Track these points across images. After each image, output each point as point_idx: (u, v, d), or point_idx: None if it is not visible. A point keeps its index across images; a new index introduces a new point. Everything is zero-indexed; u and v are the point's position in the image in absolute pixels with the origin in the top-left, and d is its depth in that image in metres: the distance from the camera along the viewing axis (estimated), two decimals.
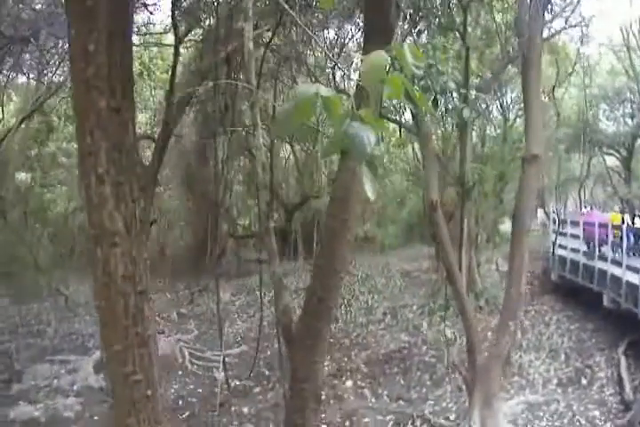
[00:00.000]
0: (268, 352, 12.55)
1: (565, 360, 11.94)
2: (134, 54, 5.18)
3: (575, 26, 16.45)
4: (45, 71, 16.75)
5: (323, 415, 9.41)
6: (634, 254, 14.30)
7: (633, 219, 23.20)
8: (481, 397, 7.96)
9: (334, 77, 16.45)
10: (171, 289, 18.79)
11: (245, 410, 10.31)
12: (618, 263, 13.20)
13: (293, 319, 6.35)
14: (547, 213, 24.27)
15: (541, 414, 9.65)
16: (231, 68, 12.25)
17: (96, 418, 9.68)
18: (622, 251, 13.57)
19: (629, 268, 12.55)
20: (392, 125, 14.95)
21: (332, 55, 14.42)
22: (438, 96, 5.00)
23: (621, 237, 14.15)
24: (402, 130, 15.40)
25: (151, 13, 13.28)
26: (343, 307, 15.55)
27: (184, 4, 11.88)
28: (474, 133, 19.22)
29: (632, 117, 25.17)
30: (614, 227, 14.99)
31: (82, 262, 17.93)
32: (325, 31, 15.13)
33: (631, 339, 12.15)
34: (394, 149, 23.18)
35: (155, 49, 18.58)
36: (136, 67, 15.77)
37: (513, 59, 13.87)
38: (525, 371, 11.38)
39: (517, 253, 8.03)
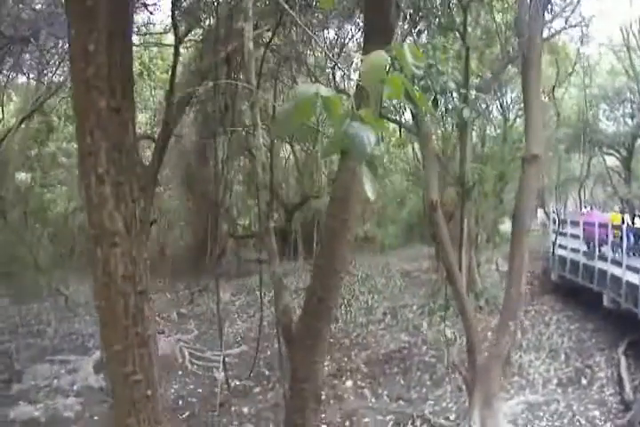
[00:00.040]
0: (268, 352, 12.56)
1: (565, 360, 11.94)
2: (134, 54, 5.18)
3: (575, 26, 16.47)
4: (45, 71, 16.75)
5: (323, 415, 9.41)
6: (634, 254, 14.30)
7: (633, 219, 23.20)
8: (481, 397, 7.96)
9: (334, 77, 16.46)
10: (171, 289, 18.79)
11: (245, 410, 10.31)
12: (618, 263, 13.20)
13: (293, 319, 6.35)
14: (547, 213, 24.27)
15: (541, 414, 9.65)
16: (231, 68, 12.25)
17: (96, 418, 9.67)
18: (622, 251, 13.57)
19: (629, 268, 12.55)
20: (392, 125, 14.95)
21: (332, 55, 14.42)
22: (438, 96, 5.00)
23: (621, 237, 14.15)
24: (402, 130, 15.40)
25: (151, 13, 13.31)
26: (343, 307, 15.55)
27: (184, 4, 11.88)
28: (474, 133, 19.22)
29: (632, 117, 25.18)
30: (614, 227, 14.99)
31: (82, 262, 17.93)
32: (325, 31, 15.15)
33: (631, 339, 12.15)
34: (394, 149, 23.18)
35: (155, 49, 18.58)
36: (136, 67, 15.77)
37: (513, 59, 13.87)
38: (525, 371, 11.38)
39: (517, 253, 8.03)
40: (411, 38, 12.08)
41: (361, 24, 12.32)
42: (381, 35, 4.99)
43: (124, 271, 2.92)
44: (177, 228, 23.21)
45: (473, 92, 8.25)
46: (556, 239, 17.47)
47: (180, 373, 12.14)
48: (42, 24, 11.17)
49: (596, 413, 9.63)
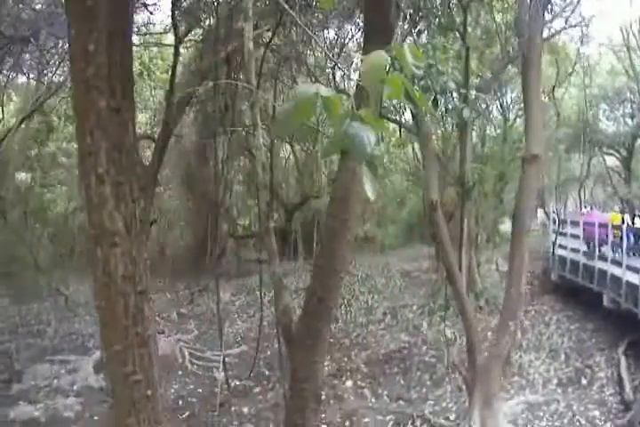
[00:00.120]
0: (268, 352, 12.55)
1: (565, 360, 11.94)
2: (134, 54, 5.18)
3: (575, 26, 16.47)
4: (45, 71, 16.75)
5: (323, 415, 9.41)
6: (634, 254, 14.30)
7: (633, 219, 23.21)
8: (481, 397, 7.96)
9: (334, 77, 16.46)
10: (171, 289, 18.79)
11: (245, 410, 10.31)
12: (618, 263, 13.20)
13: (293, 319, 6.35)
14: (547, 213, 24.27)
15: (541, 414, 9.65)
16: (231, 68, 12.25)
17: (96, 418, 9.67)
18: (622, 251, 13.57)
19: (629, 268, 12.55)
20: (392, 125, 14.95)
21: (332, 55, 14.42)
22: (438, 96, 5.00)
23: (621, 237, 14.15)
24: (402, 130, 15.40)
25: (151, 13, 13.31)
26: (343, 307, 15.55)
27: (184, 4, 11.88)
28: (474, 133, 19.22)
29: (632, 117, 25.18)
30: (614, 227, 14.99)
31: (82, 262, 17.93)
32: (325, 31, 15.15)
33: (631, 339, 12.15)
34: (394, 149, 23.18)
35: (155, 49, 18.58)
36: (136, 67, 15.77)
37: (513, 59, 13.87)
38: (525, 371, 11.38)
39: (517, 253, 8.03)
40: (411, 38, 12.08)
41: (361, 24, 12.32)
42: (381, 35, 4.99)
43: (124, 271, 2.92)
44: (177, 228, 23.21)
45: (473, 92, 8.25)
46: (555, 239, 17.47)
47: (180, 373, 12.14)
48: (42, 24, 11.17)
49: (596, 413, 9.64)
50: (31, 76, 17.63)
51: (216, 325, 12.41)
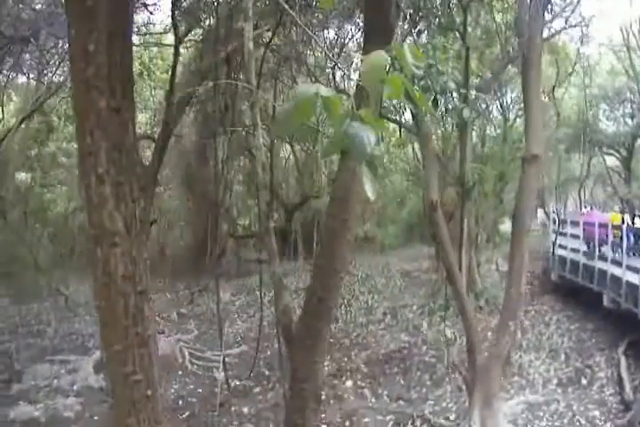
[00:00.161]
0: (268, 352, 12.55)
1: (565, 360, 11.94)
2: (134, 54, 5.18)
3: (575, 26, 16.48)
4: (45, 71, 16.75)
5: (323, 415, 9.41)
6: (634, 254, 14.30)
7: (633, 219, 23.20)
8: (481, 397, 7.96)
9: (334, 77, 16.46)
10: (171, 289, 18.79)
11: (245, 410, 10.31)
12: (618, 263, 13.19)
13: (293, 319, 6.35)
14: (547, 213, 24.27)
15: (541, 414, 9.65)
16: (231, 68, 12.25)
17: (96, 418, 9.67)
18: (622, 251, 13.57)
19: (629, 268, 12.55)
20: (392, 125, 14.95)
21: (332, 55, 14.42)
22: (438, 96, 5.00)
23: (621, 237, 14.15)
24: (402, 130, 15.40)
25: (151, 13, 13.31)
26: (343, 307, 15.55)
27: (184, 4, 11.88)
28: (474, 133, 19.22)
29: (632, 117, 25.18)
30: (614, 227, 14.99)
31: (82, 262, 17.92)
32: (325, 31, 15.15)
33: (631, 339, 12.15)
34: (394, 149, 23.18)
35: (155, 49, 18.58)
36: (136, 67, 15.77)
37: (513, 59, 13.87)
38: (525, 371, 11.38)
39: (517, 253, 8.03)
40: (411, 38, 12.08)
41: (361, 24, 12.32)
42: (381, 35, 4.99)
43: (124, 271, 2.92)
44: (177, 228, 23.21)
45: (473, 92, 8.25)
46: (555, 239, 17.47)
47: (180, 373, 12.14)
48: (42, 24, 11.17)
49: (596, 413, 9.64)
50: (31, 76, 17.64)
51: (216, 325, 12.41)
